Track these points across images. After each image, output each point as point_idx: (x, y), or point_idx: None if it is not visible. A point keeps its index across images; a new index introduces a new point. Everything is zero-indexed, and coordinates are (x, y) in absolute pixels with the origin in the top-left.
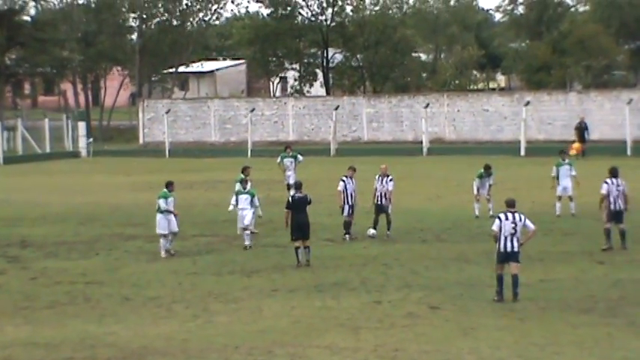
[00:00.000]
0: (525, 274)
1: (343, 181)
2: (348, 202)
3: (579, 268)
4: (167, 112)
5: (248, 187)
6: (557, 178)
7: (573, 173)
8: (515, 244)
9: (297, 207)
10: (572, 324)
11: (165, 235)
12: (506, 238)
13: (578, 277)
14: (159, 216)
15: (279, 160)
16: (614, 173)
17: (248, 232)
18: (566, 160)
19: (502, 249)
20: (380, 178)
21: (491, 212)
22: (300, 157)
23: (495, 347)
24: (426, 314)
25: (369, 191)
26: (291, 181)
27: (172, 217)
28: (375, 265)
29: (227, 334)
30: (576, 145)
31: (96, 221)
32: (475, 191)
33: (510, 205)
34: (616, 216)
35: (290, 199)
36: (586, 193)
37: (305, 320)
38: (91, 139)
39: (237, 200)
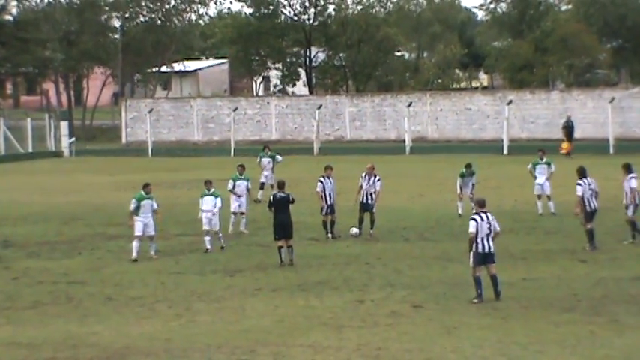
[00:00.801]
0: (508, 272)
1: (321, 182)
2: (327, 202)
3: (562, 267)
4: (150, 112)
5: (212, 189)
6: (535, 176)
7: (552, 170)
8: (492, 244)
9: (279, 206)
10: (554, 322)
11: (139, 237)
12: (482, 239)
13: (561, 275)
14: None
15: (258, 159)
16: (583, 173)
17: (209, 237)
18: (544, 160)
19: (480, 250)
20: (367, 177)
21: (473, 211)
22: (278, 158)
23: (478, 346)
24: (409, 313)
25: (351, 190)
26: (268, 181)
27: (151, 220)
28: (358, 263)
29: (210, 333)
30: (565, 145)
31: (78, 221)
32: (458, 190)
33: (481, 205)
34: (591, 215)
35: (272, 198)
36: (568, 192)
37: (288, 319)
38: (73, 139)
39: (202, 203)
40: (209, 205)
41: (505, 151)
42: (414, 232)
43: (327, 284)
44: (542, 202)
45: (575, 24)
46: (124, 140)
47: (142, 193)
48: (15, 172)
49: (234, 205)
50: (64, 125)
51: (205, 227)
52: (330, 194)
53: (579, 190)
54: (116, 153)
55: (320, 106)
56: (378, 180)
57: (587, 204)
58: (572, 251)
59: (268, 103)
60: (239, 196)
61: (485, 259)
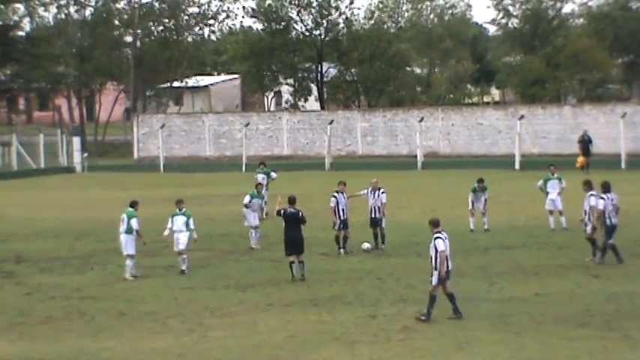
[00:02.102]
0: (520, 288)
1: (335, 197)
2: (340, 217)
3: (574, 282)
4: (162, 127)
5: (184, 208)
6: (546, 191)
7: (563, 185)
8: (450, 264)
9: (290, 222)
10: (567, 338)
11: (131, 256)
12: (446, 257)
13: (574, 290)
14: (126, 237)
15: (255, 175)
16: (607, 188)
17: (184, 256)
18: (555, 175)
19: (447, 268)
20: (372, 192)
21: (486, 226)
22: (273, 175)
23: None
24: (422, 328)
25: (363, 205)
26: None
27: (134, 237)
28: (370, 279)
29: (222, 348)
30: (580, 158)
31: (91, 236)
32: (470, 205)
33: (436, 225)
34: (611, 231)
35: (282, 212)
36: (581, 207)
37: (300, 335)
38: (85, 154)
39: (172, 222)
40: (179, 224)
41: (517, 166)
42: (425, 248)
43: (339, 299)
44: (555, 217)
45: (586, 39)
46: (135, 155)
47: (132, 210)
48: (27, 188)
49: (253, 219)
50: (76, 141)
51: (176, 248)
52: (343, 209)
53: (601, 204)
54: (128, 168)
55: (332, 122)
56: (383, 192)
57: (608, 218)
58: (585, 266)
59: (280, 118)
60: (249, 214)
61: (447, 277)
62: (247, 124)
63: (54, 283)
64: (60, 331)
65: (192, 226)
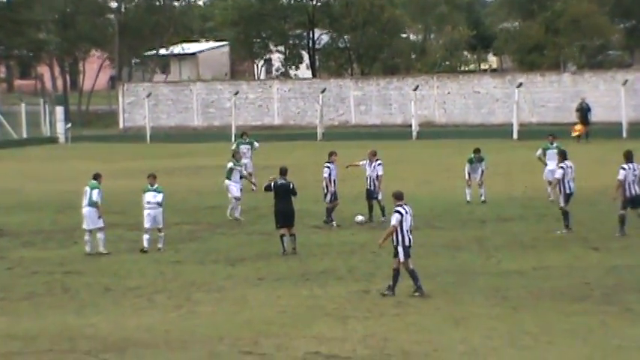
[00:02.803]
0: (518, 261)
1: (328, 167)
2: (331, 189)
3: (573, 255)
4: (148, 96)
5: (156, 183)
6: (545, 162)
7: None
8: (411, 237)
9: (280, 194)
10: (566, 312)
11: (101, 229)
12: (407, 231)
13: (572, 264)
14: (89, 210)
15: (234, 146)
16: (629, 157)
17: (148, 236)
18: (555, 144)
19: (407, 243)
20: (369, 162)
21: (482, 198)
22: (256, 144)
23: (488, 337)
24: (417, 303)
25: (356, 176)
26: (249, 169)
27: (96, 211)
28: (363, 252)
29: (211, 324)
30: (578, 126)
31: (74, 209)
32: (466, 176)
33: (399, 197)
34: (633, 201)
35: (272, 184)
36: (581, 178)
37: (291, 310)
38: (69, 125)
39: (144, 198)
40: (151, 200)
41: (515, 136)
42: (421, 220)
43: (332, 274)
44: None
45: (587, 4)
46: (121, 126)
47: (96, 182)
48: (8, 159)
49: (235, 190)
50: (59, 110)
51: (147, 224)
52: (334, 180)
53: (621, 174)
54: (113, 139)
55: (324, 90)
56: (379, 164)
57: (628, 189)
58: (584, 239)
59: (270, 87)
60: (232, 185)
61: (409, 252)
62: (236, 93)
63: (36, 258)
64: (43, 306)
65: (159, 201)
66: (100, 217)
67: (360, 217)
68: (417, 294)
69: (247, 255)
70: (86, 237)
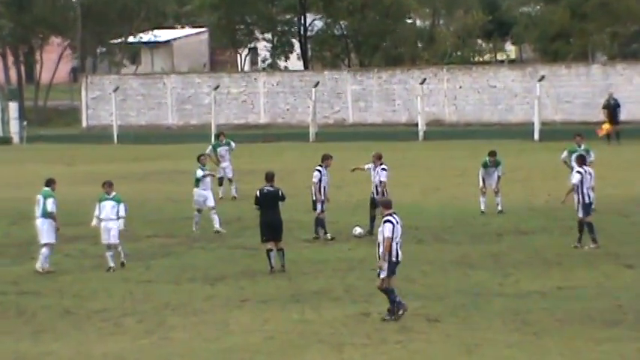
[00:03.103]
0: (541, 280)
1: (319, 171)
2: (322, 197)
3: (603, 273)
4: (115, 90)
5: (113, 192)
6: (572, 166)
7: (591, 159)
8: (400, 252)
9: (267, 203)
10: (595, 339)
11: (51, 245)
12: (397, 244)
13: (603, 283)
14: (43, 221)
15: (208, 150)
16: (583, 161)
17: (119, 249)
18: (582, 146)
19: (395, 258)
20: (373, 166)
21: (499, 207)
22: (232, 144)
23: None
24: (423, 328)
25: (354, 182)
26: (229, 175)
27: (52, 223)
28: (362, 270)
29: (187, 353)
30: (606, 125)
31: (30, 220)
32: (480, 183)
33: (388, 206)
34: (586, 208)
35: (258, 193)
36: (612, 184)
37: (280, 336)
38: (24, 123)
39: (99, 209)
40: (109, 212)
41: (536, 137)
42: (428, 233)
43: (326, 294)
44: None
45: None
46: (84, 124)
47: (49, 189)
48: None
49: (199, 201)
50: (13, 106)
51: (104, 240)
52: (324, 187)
53: (576, 178)
54: (75, 139)
55: (317, 84)
56: (383, 169)
57: (586, 195)
58: (616, 255)
59: (256, 80)
60: (201, 194)
61: (394, 268)
62: (217, 87)
63: None
64: None
65: (122, 214)
66: (58, 230)
67: (358, 230)
68: (387, 317)
69: (229, 273)
70: (44, 251)
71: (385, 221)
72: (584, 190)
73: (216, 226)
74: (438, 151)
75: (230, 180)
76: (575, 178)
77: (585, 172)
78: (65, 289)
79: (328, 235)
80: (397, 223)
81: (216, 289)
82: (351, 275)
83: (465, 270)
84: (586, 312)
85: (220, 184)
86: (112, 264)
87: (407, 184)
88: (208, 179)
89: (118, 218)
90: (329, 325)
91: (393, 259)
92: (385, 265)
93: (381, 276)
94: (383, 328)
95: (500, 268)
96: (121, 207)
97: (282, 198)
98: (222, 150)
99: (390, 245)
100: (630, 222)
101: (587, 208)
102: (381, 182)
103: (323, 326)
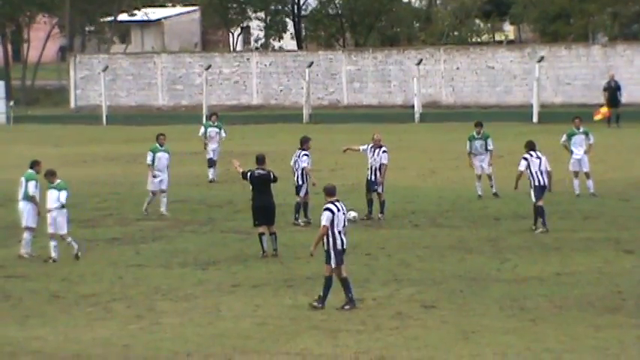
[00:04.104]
0: (539, 265)
1: (307, 155)
2: (298, 181)
3: (603, 259)
4: (104, 70)
5: (57, 180)
6: (571, 150)
7: (590, 141)
8: (345, 240)
9: (260, 186)
10: (594, 325)
11: (31, 229)
12: (339, 232)
13: (602, 269)
14: (25, 205)
15: (201, 131)
16: (532, 147)
17: (55, 242)
18: (581, 129)
19: (340, 246)
20: (372, 149)
21: (493, 190)
22: (223, 133)
23: (502, 354)
24: (419, 314)
25: (348, 166)
26: (215, 157)
27: (34, 207)
28: (356, 255)
29: (177, 338)
30: (604, 109)
31: (17, 202)
32: (473, 166)
33: (331, 193)
34: (537, 191)
35: (249, 174)
36: (612, 168)
37: (272, 322)
38: (11, 103)
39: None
40: (52, 200)
41: (535, 119)
42: (424, 217)
43: (320, 280)
44: (580, 180)
45: None
46: (72, 104)
47: (32, 172)
48: None
49: (154, 182)
50: None
51: (50, 230)
52: (302, 171)
53: (523, 165)
54: (63, 120)
55: (311, 64)
56: (384, 151)
57: (536, 179)
58: (616, 240)
59: (248, 60)
60: (157, 174)
61: (342, 256)
62: (208, 67)
63: None
64: None
65: (62, 200)
66: (38, 215)
67: (353, 214)
68: (347, 307)
69: (221, 257)
70: (25, 235)
71: (325, 209)
72: (534, 175)
73: (163, 209)
74: (434, 134)
75: (214, 162)
76: (521, 165)
77: (532, 156)
78: (53, 273)
79: (300, 221)
80: (338, 211)
81: (207, 274)
82: (345, 260)
83: (461, 255)
84: (585, 298)
85: (211, 166)
86: (53, 254)
87: (403, 167)
88: (163, 160)
89: (62, 207)
90: (322, 311)
91: (338, 247)
92: (332, 254)
93: (326, 263)
94: (378, 314)
95: (498, 253)
96: (62, 194)
97: (274, 180)
98: (212, 131)
99: (325, 233)
100: (631, 206)
101: (537, 191)
102: (382, 165)
103: (316, 312)
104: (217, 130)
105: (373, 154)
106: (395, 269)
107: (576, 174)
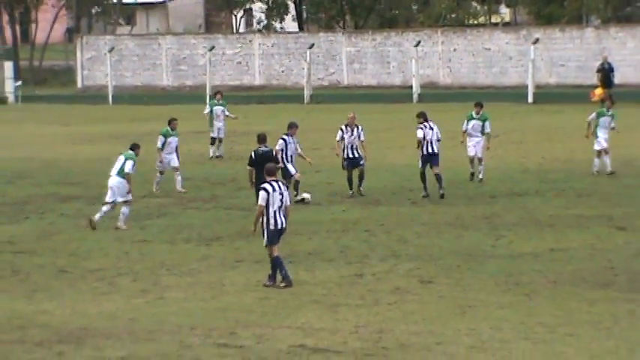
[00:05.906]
0: (533, 242)
1: (284, 140)
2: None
3: (596, 235)
4: (110, 51)
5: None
6: (596, 129)
7: (613, 125)
8: (284, 219)
9: (262, 163)
10: (587, 300)
11: (128, 202)
12: (275, 212)
13: (595, 245)
14: (118, 181)
15: (207, 110)
16: (425, 118)
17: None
18: (610, 111)
19: (273, 226)
20: (348, 128)
21: (480, 176)
22: (226, 110)
23: (498, 328)
24: (416, 289)
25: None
26: (221, 135)
27: (126, 183)
28: (356, 231)
29: (182, 312)
30: (598, 90)
31: (26, 179)
32: (462, 137)
33: (271, 173)
34: (430, 159)
35: (252, 154)
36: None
37: (274, 296)
38: (19, 82)
39: None
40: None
41: (530, 99)
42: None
43: (320, 255)
44: (600, 160)
45: None
46: (79, 84)
47: (132, 152)
48: None
49: (163, 163)
50: (8, 66)
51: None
52: (291, 156)
53: (419, 134)
54: (70, 99)
55: (312, 46)
56: (362, 130)
57: (426, 147)
58: (609, 217)
59: (251, 41)
60: (164, 159)
61: (279, 236)
62: (212, 48)
63: None
64: None
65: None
66: (129, 192)
67: (305, 195)
68: (282, 284)
69: (224, 233)
70: (104, 208)
71: (261, 188)
72: (426, 144)
73: (178, 187)
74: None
75: (221, 140)
76: (419, 134)
77: (426, 127)
78: (60, 249)
79: (301, 196)
80: (274, 190)
81: (211, 250)
82: (345, 236)
83: (458, 231)
84: (578, 273)
85: (213, 144)
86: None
87: (401, 145)
88: (173, 144)
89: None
90: (323, 286)
91: (271, 226)
92: (265, 233)
93: (264, 244)
94: (377, 289)
95: (494, 230)
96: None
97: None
98: (217, 109)
99: (261, 213)
100: (623, 184)
101: (431, 159)
102: (362, 141)
103: (317, 287)
104: (222, 108)
105: (352, 133)
106: (393, 245)
107: (598, 153)
